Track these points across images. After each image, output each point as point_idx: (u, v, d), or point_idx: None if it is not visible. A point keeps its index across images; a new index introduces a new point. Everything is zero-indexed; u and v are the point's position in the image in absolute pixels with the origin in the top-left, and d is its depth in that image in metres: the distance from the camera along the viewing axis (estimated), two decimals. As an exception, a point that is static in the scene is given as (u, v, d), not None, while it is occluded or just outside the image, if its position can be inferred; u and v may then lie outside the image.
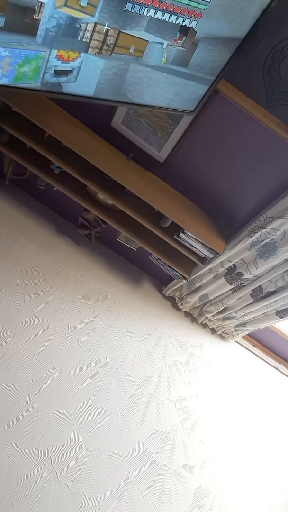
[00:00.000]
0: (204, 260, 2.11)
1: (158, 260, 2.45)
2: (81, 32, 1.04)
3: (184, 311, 3.00)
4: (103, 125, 1.85)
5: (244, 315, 2.66)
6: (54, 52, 1.07)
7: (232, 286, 2.40)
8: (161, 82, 1.28)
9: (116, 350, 2.50)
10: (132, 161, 1.90)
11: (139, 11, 1.03)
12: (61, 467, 1.98)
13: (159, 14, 1.04)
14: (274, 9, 1.06)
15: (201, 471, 2.38)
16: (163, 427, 2.39)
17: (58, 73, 1.14)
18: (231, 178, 1.79)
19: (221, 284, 2.44)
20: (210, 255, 2.01)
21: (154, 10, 1.03)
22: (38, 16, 0.95)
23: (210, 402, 2.70)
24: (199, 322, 2.99)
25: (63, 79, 1.17)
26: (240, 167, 1.71)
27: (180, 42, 1.13)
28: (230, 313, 2.71)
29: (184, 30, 1.10)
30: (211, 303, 2.74)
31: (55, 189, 2.46)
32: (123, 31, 1.07)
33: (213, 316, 2.85)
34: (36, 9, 0.93)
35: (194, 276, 2.35)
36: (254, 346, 3.19)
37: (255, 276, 2.27)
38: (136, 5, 1.01)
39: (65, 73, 1.15)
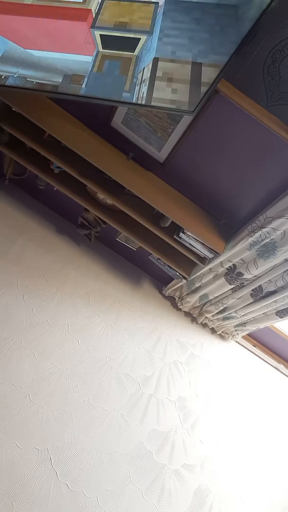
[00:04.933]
0: (204, 260, 2.11)
1: (158, 260, 2.45)
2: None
3: (184, 311, 3.00)
4: (103, 125, 1.85)
5: (244, 315, 2.66)
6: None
7: (232, 286, 2.40)
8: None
9: (116, 350, 2.50)
10: (132, 161, 1.90)
11: None
12: (61, 467, 1.98)
13: None
14: (274, 9, 1.06)
15: (201, 470, 2.38)
16: (163, 427, 2.39)
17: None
18: (231, 178, 1.79)
19: (221, 284, 2.44)
20: (210, 255, 2.01)
21: None
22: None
23: (210, 402, 2.70)
24: (199, 322, 2.99)
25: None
26: (240, 167, 1.71)
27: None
28: (230, 313, 2.71)
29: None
30: (211, 303, 2.74)
31: (55, 189, 2.46)
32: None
33: (213, 316, 2.85)
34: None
35: (194, 276, 2.35)
36: (254, 346, 3.19)
37: (255, 276, 2.27)
38: None
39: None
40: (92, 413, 2.20)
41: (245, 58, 1.34)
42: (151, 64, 1.21)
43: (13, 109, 1.83)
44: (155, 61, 1.19)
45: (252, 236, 1.87)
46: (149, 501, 2.12)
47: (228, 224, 2.01)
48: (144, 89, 1.29)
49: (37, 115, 1.72)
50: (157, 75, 1.23)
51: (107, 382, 2.34)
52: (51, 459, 1.98)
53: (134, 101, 1.32)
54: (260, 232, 1.83)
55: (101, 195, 2.05)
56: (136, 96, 1.30)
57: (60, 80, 1.24)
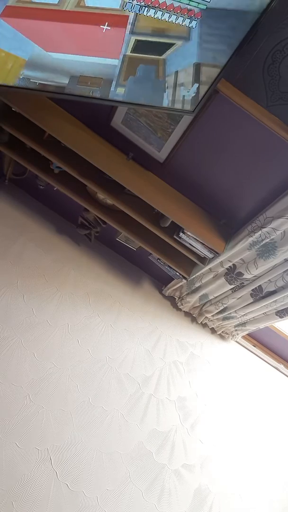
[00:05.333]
0: (204, 260, 2.11)
1: (158, 260, 2.45)
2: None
3: (184, 311, 3.00)
4: (103, 125, 1.85)
5: (244, 315, 2.66)
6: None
7: (232, 286, 2.40)
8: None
9: (116, 350, 2.50)
10: (132, 161, 1.90)
11: (139, 11, 1.03)
12: (61, 467, 1.98)
13: (158, 14, 1.04)
14: (274, 9, 1.06)
15: (201, 470, 2.38)
16: (163, 427, 2.39)
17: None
18: (231, 178, 1.79)
19: (221, 284, 2.44)
20: (210, 255, 2.01)
21: (154, 10, 1.03)
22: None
23: (210, 402, 2.70)
24: (199, 322, 2.99)
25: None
26: (240, 167, 1.71)
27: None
28: (230, 313, 2.71)
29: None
30: (211, 303, 2.74)
31: (55, 189, 2.46)
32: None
33: (213, 316, 2.85)
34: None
35: (194, 276, 2.35)
36: (254, 346, 3.19)
37: (255, 276, 2.27)
38: (136, 5, 1.01)
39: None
40: (92, 413, 2.20)
41: (245, 58, 1.34)
42: (192, 68, 1.23)
43: (13, 109, 1.83)
44: (197, 65, 1.22)
45: (252, 236, 1.87)
46: (149, 501, 2.12)
47: (228, 224, 2.01)
48: (184, 92, 1.31)
49: (37, 115, 1.72)
50: (201, 79, 1.26)
51: (107, 382, 2.34)
52: (51, 459, 1.98)
53: (167, 105, 1.35)
54: (260, 232, 1.83)
55: (101, 195, 2.05)
56: (169, 99, 1.33)
57: (99, 86, 1.25)
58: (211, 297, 2.64)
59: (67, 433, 2.08)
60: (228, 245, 2.00)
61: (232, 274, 2.32)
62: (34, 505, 1.84)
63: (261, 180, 1.71)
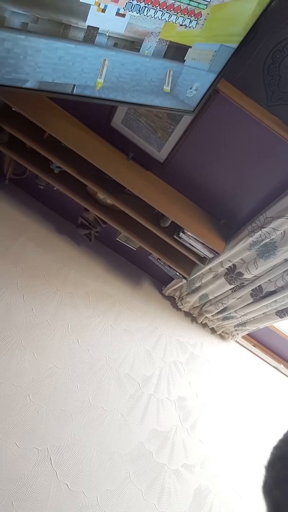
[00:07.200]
0: (204, 260, 2.11)
1: (158, 260, 2.45)
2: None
3: (184, 311, 3.00)
4: (103, 125, 1.85)
5: (244, 315, 2.67)
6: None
7: (232, 286, 2.40)
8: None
9: (116, 350, 2.50)
10: (132, 161, 1.90)
11: (139, 11, 1.03)
12: (61, 467, 1.98)
13: (159, 14, 1.04)
14: (274, 9, 1.06)
15: (201, 470, 2.38)
16: (163, 426, 2.39)
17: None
18: (231, 178, 1.79)
19: (221, 283, 2.44)
20: (210, 255, 2.01)
21: (154, 10, 1.03)
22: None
23: (210, 402, 2.70)
24: (199, 322, 2.99)
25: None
26: (240, 167, 1.71)
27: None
28: (230, 313, 2.72)
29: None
30: (211, 303, 2.74)
31: (55, 189, 2.46)
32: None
33: (213, 316, 2.85)
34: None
35: (194, 276, 2.35)
36: (254, 346, 3.19)
37: (255, 276, 2.27)
38: (136, 5, 1.01)
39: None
40: (92, 413, 2.20)
41: (245, 58, 1.34)
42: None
43: (13, 109, 1.83)
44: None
45: (252, 236, 1.87)
46: (149, 501, 2.12)
47: (228, 224, 2.01)
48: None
49: (37, 115, 1.72)
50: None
51: (107, 382, 2.34)
52: (51, 459, 1.98)
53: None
54: (260, 232, 1.83)
55: (101, 195, 2.05)
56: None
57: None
58: (211, 297, 2.64)
59: (67, 433, 2.08)
60: (228, 245, 2.00)
61: (232, 274, 2.32)
62: (34, 505, 1.84)
63: (261, 180, 1.71)
